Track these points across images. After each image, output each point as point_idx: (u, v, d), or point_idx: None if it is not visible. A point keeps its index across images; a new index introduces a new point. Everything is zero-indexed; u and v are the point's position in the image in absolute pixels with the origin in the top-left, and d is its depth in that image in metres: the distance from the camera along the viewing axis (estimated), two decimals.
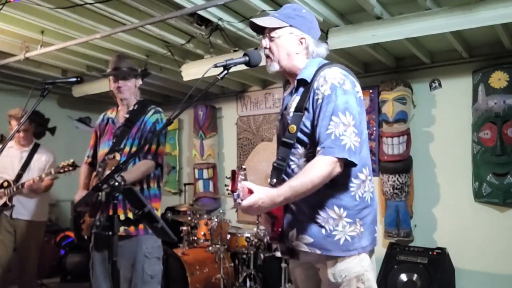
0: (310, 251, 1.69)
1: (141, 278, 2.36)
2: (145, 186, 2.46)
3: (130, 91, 2.54)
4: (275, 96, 5.17)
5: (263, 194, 1.55)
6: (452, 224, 4.01)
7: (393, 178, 4.07)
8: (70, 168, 3.20)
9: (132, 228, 2.30)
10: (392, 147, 4.09)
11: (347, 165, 1.63)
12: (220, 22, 3.25)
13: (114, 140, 2.49)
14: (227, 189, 1.59)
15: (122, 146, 2.45)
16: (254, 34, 3.56)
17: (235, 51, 3.79)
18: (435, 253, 3.72)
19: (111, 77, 2.54)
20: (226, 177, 1.31)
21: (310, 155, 1.70)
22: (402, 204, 4.06)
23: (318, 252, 1.68)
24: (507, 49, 3.68)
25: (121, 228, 2.27)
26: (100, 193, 2.30)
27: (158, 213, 2.55)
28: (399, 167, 4.07)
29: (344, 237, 1.66)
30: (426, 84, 4.20)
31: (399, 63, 4.35)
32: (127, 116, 2.53)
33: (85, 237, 2.47)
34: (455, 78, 4.06)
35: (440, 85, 4.14)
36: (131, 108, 2.56)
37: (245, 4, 2.88)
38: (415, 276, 3.63)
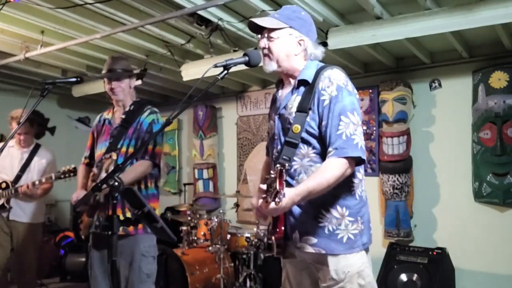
0: (315, 251, 1.71)
1: (138, 277, 2.37)
2: (142, 186, 2.48)
3: (124, 92, 2.57)
4: None
5: (287, 195, 1.53)
6: (452, 224, 4.01)
7: (393, 178, 4.06)
8: (71, 174, 3.18)
9: (131, 228, 2.32)
10: (392, 147, 4.09)
11: (357, 164, 1.68)
12: (220, 22, 3.25)
13: (111, 141, 2.51)
14: (269, 187, 1.51)
15: (119, 146, 2.46)
16: (254, 34, 3.58)
17: (235, 51, 3.78)
18: (435, 253, 3.71)
19: (105, 79, 2.57)
20: (270, 176, 1.29)
21: (313, 155, 1.72)
22: (402, 204, 4.06)
23: (323, 252, 1.70)
24: (507, 49, 3.68)
25: (120, 228, 2.32)
26: (98, 193, 2.31)
27: (157, 213, 2.56)
28: (399, 167, 4.06)
29: (347, 235, 1.70)
30: (426, 84, 4.20)
31: (399, 63, 4.35)
32: (123, 116, 2.55)
33: (83, 237, 2.48)
34: (455, 78, 4.06)
35: (440, 85, 4.14)
36: (127, 109, 2.58)
37: (245, 4, 2.88)
38: (415, 276, 3.63)
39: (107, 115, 2.68)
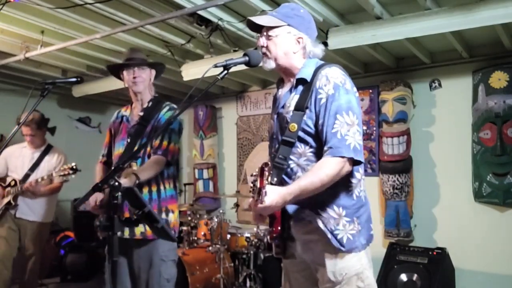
0: (323, 222, 1.68)
1: (158, 282, 2.30)
2: (161, 187, 2.38)
3: (144, 84, 2.45)
4: None
5: (276, 194, 1.54)
6: (452, 224, 4.01)
7: (393, 178, 4.06)
8: (70, 172, 3.19)
9: (149, 232, 2.25)
10: (392, 147, 4.09)
11: (354, 164, 1.66)
12: (220, 22, 3.25)
13: (128, 140, 2.40)
14: (252, 186, 1.58)
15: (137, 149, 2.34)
16: (254, 34, 3.57)
17: (235, 51, 3.78)
18: (435, 253, 3.71)
19: (125, 71, 2.44)
20: (251, 175, 1.33)
21: (310, 154, 1.71)
22: (402, 204, 4.06)
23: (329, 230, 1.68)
24: (507, 49, 3.68)
25: (138, 232, 2.28)
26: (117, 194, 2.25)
27: (175, 215, 2.43)
28: (399, 167, 4.07)
29: (346, 236, 1.68)
30: (426, 84, 4.20)
31: (399, 63, 4.35)
32: (141, 114, 2.44)
33: (100, 237, 2.44)
34: (455, 78, 4.06)
35: (440, 85, 4.14)
36: (145, 106, 2.46)
37: (245, 4, 2.88)
38: (415, 276, 3.63)
39: (124, 111, 2.55)
